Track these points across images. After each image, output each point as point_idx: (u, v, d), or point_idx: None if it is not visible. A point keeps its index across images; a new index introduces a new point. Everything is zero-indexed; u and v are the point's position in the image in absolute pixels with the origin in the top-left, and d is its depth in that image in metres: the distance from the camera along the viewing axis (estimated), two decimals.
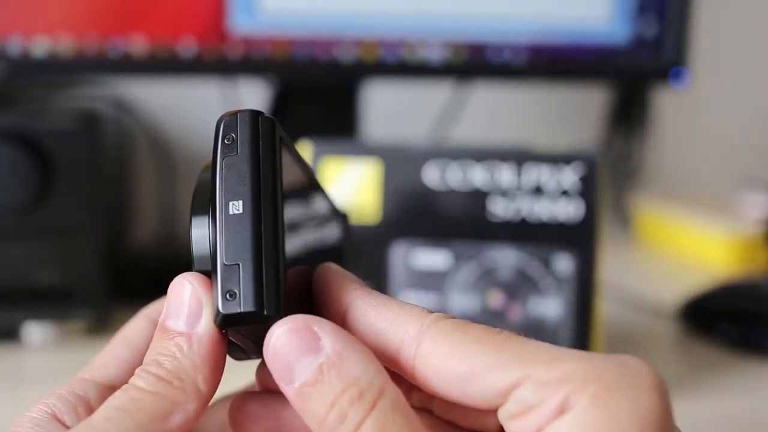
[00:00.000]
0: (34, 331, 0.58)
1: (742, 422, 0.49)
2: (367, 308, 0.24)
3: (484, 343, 0.23)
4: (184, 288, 0.24)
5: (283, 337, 0.22)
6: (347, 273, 0.26)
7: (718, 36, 1.00)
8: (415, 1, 0.69)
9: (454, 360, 0.23)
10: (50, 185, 0.56)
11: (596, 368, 0.21)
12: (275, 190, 0.23)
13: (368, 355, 0.22)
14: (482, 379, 0.22)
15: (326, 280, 0.25)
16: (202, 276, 0.24)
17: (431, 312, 0.24)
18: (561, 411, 0.21)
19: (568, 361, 0.22)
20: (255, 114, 0.23)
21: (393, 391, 0.22)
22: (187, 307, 0.24)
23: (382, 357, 0.24)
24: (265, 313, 0.22)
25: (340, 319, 0.25)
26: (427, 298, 0.48)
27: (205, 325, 0.23)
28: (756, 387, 0.54)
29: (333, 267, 0.26)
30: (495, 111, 0.99)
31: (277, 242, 0.23)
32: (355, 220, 0.49)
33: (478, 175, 0.48)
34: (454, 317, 0.24)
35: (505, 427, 0.22)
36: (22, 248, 0.57)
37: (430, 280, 0.49)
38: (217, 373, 0.24)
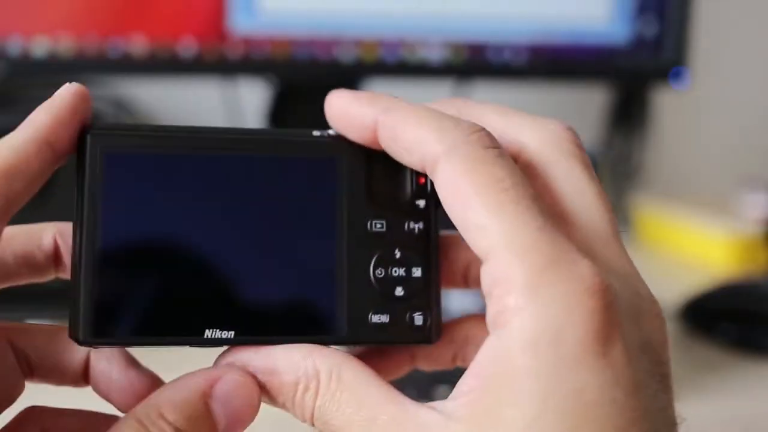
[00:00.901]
0: None
1: (742, 422, 0.49)
2: (396, 121, 0.28)
3: (477, 190, 0.25)
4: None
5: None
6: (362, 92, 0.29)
7: (718, 36, 1.00)
8: (415, 1, 0.69)
9: (453, 190, 0.26)
10: (50, 185, 0.56)
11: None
12: (93, 211, 0.25)
13: (287, 354, 0.25)
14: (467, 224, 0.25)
15: (343, 107, 0.30)
16: None
17: (455, 130, 0.27)
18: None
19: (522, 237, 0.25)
20: (82, 134, 0.26)
21: (324, 362, 0.25)
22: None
23: (414, 158, 0.27)
24: (81, 339, 0.24)
25: (372, 132, 0.28)
26: None
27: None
28: (756, 387, 0.54)
29: (344, 92, 0.29)
30: None
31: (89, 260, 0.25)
32: None
33: None
34: (472, 145, 0.26)
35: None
36: None
37: None
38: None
